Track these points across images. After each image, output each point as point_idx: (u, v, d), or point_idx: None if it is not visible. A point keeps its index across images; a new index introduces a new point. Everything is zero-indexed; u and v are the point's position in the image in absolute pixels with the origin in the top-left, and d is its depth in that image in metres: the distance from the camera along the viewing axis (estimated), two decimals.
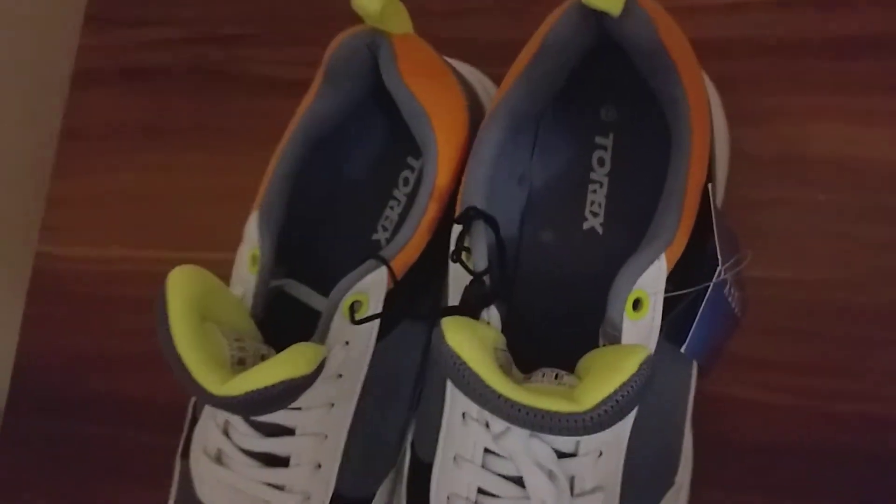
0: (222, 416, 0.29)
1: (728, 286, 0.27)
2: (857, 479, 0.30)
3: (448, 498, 0.27)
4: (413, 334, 0.30)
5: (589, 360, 0.23)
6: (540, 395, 0.21)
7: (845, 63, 0.33)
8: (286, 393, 0.24)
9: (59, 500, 0.40)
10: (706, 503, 0.31)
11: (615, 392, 0.21)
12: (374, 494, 0.30)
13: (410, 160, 0.34)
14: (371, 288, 0.27)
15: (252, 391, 0.23)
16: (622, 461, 0.26)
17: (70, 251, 0.43)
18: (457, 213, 0.27)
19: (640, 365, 0.21)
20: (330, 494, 0.29)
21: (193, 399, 0.33)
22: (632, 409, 0.21)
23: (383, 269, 0.27)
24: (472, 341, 0.22)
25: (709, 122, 0.27)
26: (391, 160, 0.34)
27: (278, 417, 0.28)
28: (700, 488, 0.31)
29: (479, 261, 0.26)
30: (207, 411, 0.30)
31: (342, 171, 0.34)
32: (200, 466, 0.30)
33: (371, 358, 0.28)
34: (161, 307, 0.24)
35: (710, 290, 0.25)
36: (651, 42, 0.26)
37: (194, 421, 0.32)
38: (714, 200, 0.26)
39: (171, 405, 0.39)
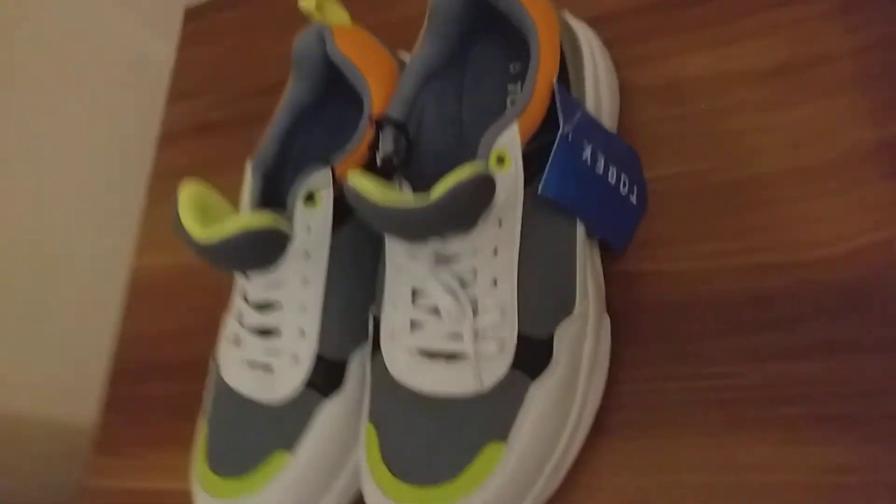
0: (238, 306, 0.39)
1: (589, 151, 0.35)
2: (750, 314, 0.36)
3: (391, 334, 0.35)
4: (361, 237, 0.39)
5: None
6: (402, 200, 0.30)
7: (700, 8, 0.42)
8: (250, 240, 0.34)
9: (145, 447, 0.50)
10: (626, 357, 0.37)
11: (453, 187, 0.30)
12: (350, 357, 0.39)
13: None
14: (321, 184, 0.37)
15: (225, 237, 0.33)
16: (515, 289, 0.34)
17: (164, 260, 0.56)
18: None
19: (475, 172, 0.30)
20: (313, 355, 0.38)
21: None
22: (471, 202, 0.30)
23: (328, 170, 0.37)
24: (368, 180, 0.31)
25: (555, 44, 0.36)
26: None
27: (268, 293, 0.38)
28: (618, 346, 0.37)
29: (387, 146, 0.35)
30: (232, 305, 0.40)
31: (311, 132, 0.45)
32: (224, 354, 0.40)
33: (333, 242, 0.38)
34: (174, 204, 0.35)
35: (556, 142, 0.34)
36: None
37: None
38: (560, 95, 0.35)
39: None
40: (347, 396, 0.38)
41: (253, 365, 0.38)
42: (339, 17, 0.41)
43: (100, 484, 0.51)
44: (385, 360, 0.35)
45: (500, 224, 0.34)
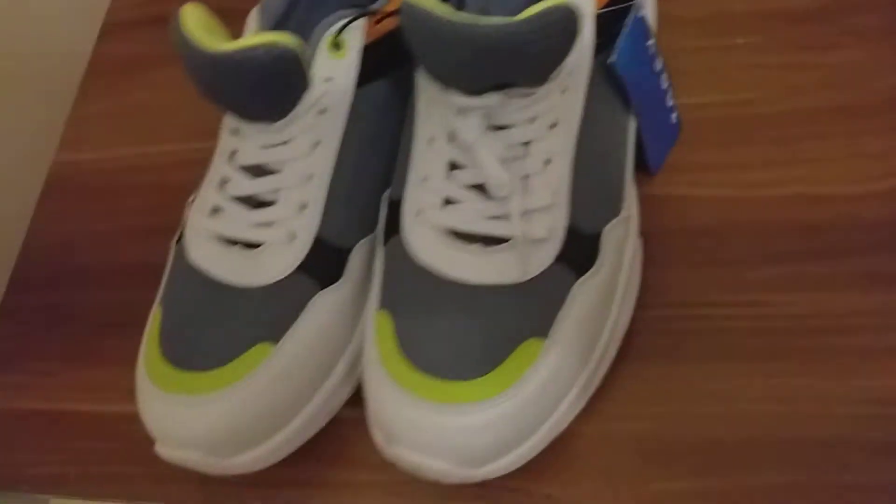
0: (221, 171, 0.33)
1: (652, 42, 0.33)
2: (795, 244, 0.34)
3: (418, 213, 0.30)
4: (394, 97, 0.34)
5: None
6: (483, 18, 0.26)
7: None
8: (270, 64, 0.28)
9: (65, 362, 0.41)
10: (655, 282, 0.34)
11: (544, 10, 0.26)
12: (353, 246, 0.33)
13: None
14: (351, 32, 0.32)
15: (240, 48, 0.28)
16: (567, 177, 0.30)
17: (86, 156, 0.48)
18: None
19: (564, 3, 0.26)
20: (314, 235, 0.32)
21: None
22: (559, 36, 0.26)
23: (363, 20, 0.32)
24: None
25: None
26: None
27: (267, 154, 0.32)
28: (646, 271, 0.34)
29: None
30: (212, 166, 0.34)
31: None
32: (193, 230, 0.33)
33: (354, 103, 0.32)
34: (175, 20, 0.29)
35: (631, 15, 0.31)
36: None
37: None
38: None
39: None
40: (344, 290, 0.33)
41: (233, 241, 0.32)
42: None
43: None
44: (407, 242, 0.30)
45: (564, 92, 0.30)
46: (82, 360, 0.41)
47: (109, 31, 0.52)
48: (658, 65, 0.34)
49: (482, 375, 0.28)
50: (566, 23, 0.27)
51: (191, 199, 0.36)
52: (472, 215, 0.30)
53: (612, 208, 0.32)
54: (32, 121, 0.51)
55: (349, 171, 0.33)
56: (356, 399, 0.33)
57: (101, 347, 0.41)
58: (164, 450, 0.31)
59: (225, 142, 0.33)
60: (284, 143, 0.32)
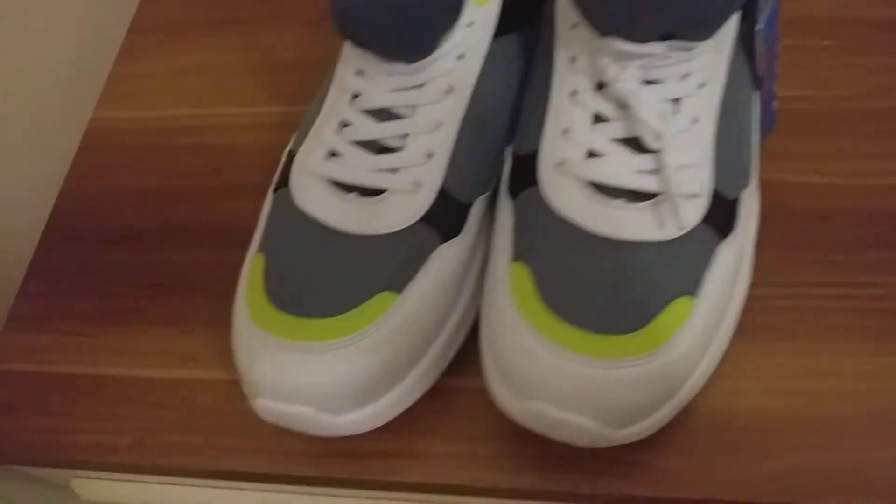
0: (338, 119, 0.31)
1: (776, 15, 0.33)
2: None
3: (558, 165, 0.29)
4: (520, 53, 0.33)
5: None
6: None
7: None
8: None
9: (103, 325, 0.38)
10: (764, 262, 0.34)
11: None
12: (474, 201, 0.32)
13: None
14: None
15: None
16: (711, 138, 0.30)
17: (128, 114, 0.45)
18: None
19: None
20: (439, 185, 0.30)
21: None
22: None
23: None
24: None
25: None
26: None
27: (398, 97, 0.30)
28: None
29: None
30: (322, 122, 0.32)
31: None
32: (305, 175, 0.31)
33: (488, 52, 0.31)
34: None
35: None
36: None
37: (286, 164, 0.33)
38: None
39: (221, 226, 0.39)
40: (464, 244, 0.31)
41: (350, 188, 0.30)
42: None
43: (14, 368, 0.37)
44: (546, 194, 0.29)
45: (717, 53, 0.30)
46: (123, 322, 0.38)
47: None
48: (777, 46, 0.34)
49: (633, 331, 0.27)
50: None
51: (288, 147, 0.34)
52: (619, 168, 0.29)
53: (746, 176, 0.31)
54: (69, 76, 0.48)
55: (475, 122, 0.31)
56: (449, 368, 0.32)
57: (143, 309, 0.38)
58: (268, 403, 0.28)
59: (345, 83, 0.31)
60: (419, 86, 0.30)
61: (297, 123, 0.35)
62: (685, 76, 0.29)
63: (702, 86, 0.29)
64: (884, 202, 0.35)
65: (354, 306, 0.28)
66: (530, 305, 0.28)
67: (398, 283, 0.29)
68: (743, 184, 0.31)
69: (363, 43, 0.30)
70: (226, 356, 0.33)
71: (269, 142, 0.39)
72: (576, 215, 0.28)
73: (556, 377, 0.26)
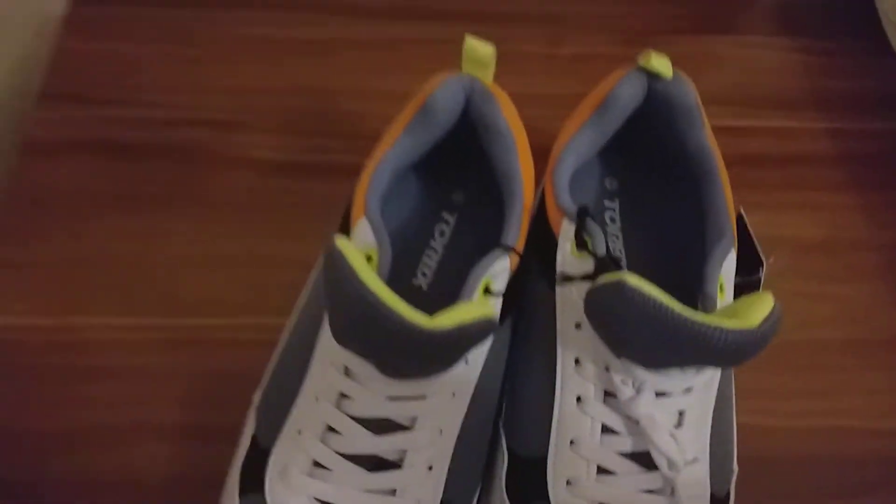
0: (321, 422, 0.28)
1: None
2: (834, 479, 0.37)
3: (567, 482, 0.28)
4: (501, 347, 0.32)
5: (721, 310, 0.27)
6: (706, 316, 0.25)
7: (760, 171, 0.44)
8: (482, 329, 0.25)
9: None
10: None
11: (771, 313, 0.25)
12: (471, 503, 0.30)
13: (445, 215, 0.37)
14: (499, 273, 0.29)
15: (462, 324, 0.24)
16: (708, 437, 0.30)
17: (13, 321, 0.38)
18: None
19: (774, 302, 0.26)
20: (438, 500, 0.28)
21: (248, 432, 0.30)
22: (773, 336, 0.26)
23: (506, 257, 0.29)
24: (647, 285, 0.25)
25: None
26: (430, 212, 0.37)
27: (398, 408, 0.27)
28: None
29: (599, 245, 0.29)
30: (303, 421, 0.28)
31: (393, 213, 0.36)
32: (283, 489, 0.27)
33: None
34: (340, 262, 0.24)
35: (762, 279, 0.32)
36: (689, 101, 0.34)
37: (251, 456, 0.29)
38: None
39: (145, 479, 0.34)
40: None
41: None
42: (489, 77, 0.33)
43: None
44: None
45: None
46: None
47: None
48: None
49: None
50: (779, 325, 0.26)
51: (255, 403, 0.30)
52: (629, 489, 0.28)
53: (731, 466, 0.32)
54: None
55: (474, 421, 0.29)
56: None
57: None
58: None
59: (328, 376, 0.28)
60: (422, 397, 0.28)
61: None
62: (688, 389, 0.29)
63: (704, 390, 0.29)
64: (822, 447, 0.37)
65: None
66: None
67: None
68: (729, 475, 0.31)
69: (368, 357, 0.27)
70: None
71: None
72: None
73: None
